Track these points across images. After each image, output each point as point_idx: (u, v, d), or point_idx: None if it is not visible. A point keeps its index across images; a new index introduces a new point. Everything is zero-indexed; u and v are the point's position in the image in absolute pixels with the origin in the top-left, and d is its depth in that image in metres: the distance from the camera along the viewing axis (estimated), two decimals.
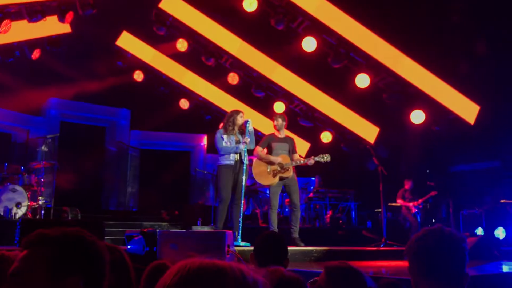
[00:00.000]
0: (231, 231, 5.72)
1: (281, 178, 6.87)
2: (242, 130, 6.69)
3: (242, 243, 6.29)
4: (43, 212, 8.60)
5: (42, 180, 8.88)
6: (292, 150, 7.08)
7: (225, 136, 6.55)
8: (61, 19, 9.65)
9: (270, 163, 6.86)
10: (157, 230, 5.28)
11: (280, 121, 7.06)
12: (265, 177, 6.85)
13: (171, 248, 4.76)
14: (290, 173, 6.86)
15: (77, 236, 1.35)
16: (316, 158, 6.91)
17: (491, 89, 9.59)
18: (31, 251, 1.31)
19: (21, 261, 1.30)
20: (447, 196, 10.67)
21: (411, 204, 10.33)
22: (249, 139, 6.60)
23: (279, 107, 12.24)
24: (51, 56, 11.51)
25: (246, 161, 6.58)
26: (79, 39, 11.39)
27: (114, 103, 13.11)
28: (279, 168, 6.84)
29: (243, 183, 6.52)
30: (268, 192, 12.13)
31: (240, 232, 6.43)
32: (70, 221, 7.70)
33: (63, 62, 11.91)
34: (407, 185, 10.50)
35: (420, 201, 10.30)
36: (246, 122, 6.67)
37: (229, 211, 6.64)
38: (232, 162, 6.50)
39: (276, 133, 7.09)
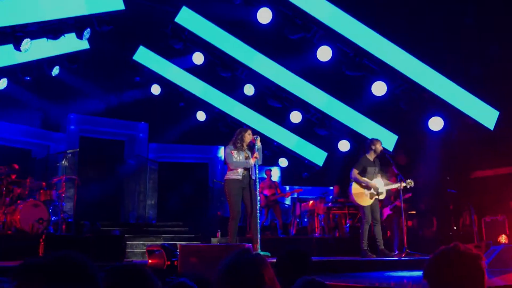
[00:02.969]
0: (250, 244, 5.72)
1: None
2: (251, 145, 6.81)
3: (262, 253, 6.30)
4: (64, 226, 8.70)
5: (63, 195, 9.00)
6: (378, 170, 7.70)
7: (235, 152, 6.65)
8: (79, 36, 9.83)
9: (367, 187, 7.52)
10: (178, 243, 5.31)
11: (380, 147, 7.66)
12: (363, 198, 7.52)
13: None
14: (384, 195, 7.72)
15: (66, 263, 1.29)
16: (404, 184, 7.74)
17: (511, 94, 9.47)
18: (19, 283, 1.26)
19: None
20: (469, 203, 10.50)
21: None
22: (258, 155, 6.70)
23: (295, 117, 12.24)
24: (69, 73, 11.72)
25: (257, 175, 6.69)
26: (97, 55, 11.58)
27: (133, 117, 13.26)
28: (375, 192, 7.56)
29: (258, 197, 6.62)
30: (287, 202, 12.12)
31: (259, 242, 6.46)
32: (91, 236, 7.77)
33: (81, 78, 12.12)
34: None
35: (388, 207, 9.23)
36: (254, 138, 6.77)
37: (248, 224, 6.71)
38: (240, 177, 6.58)
39: (369, 156, 7.65)
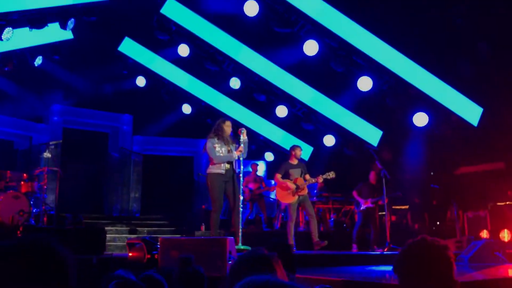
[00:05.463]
0: (233, 237, 5.68)
1: (299, 196, 8.02)
2: (236, 138, 6.67)
3: (243, 247, 6.26)
4: (45, 219, 8.57)
5: (45, 186, 8.86)
6: (304, 172, 8.16)
7: (217, 145, 6.51)
8: (63, 26, 9.67)
9: (287, 187, 7.96)
10: (158, 237, 5.26)
11: (299, 152, 8.29)
12: (286, 197, 8.01)
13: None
14: (305, 191, 8.06)
15: (34, 247, 1.29)
16: (324, 176, 8.13)
17: (494, 91, 9.54)
18: None
19: None
20: (452, 198, 10.59)
21: (362, 200, 9.22)
22: (243, 148, 6.57)
23: (281, 111, 12.21)
24: (53, 63, 11.54)
25: (242, 169, 6.61)
26: (81, 46, 11.41)
27: (117, 109, 13.12)
28: (295, 189, 7.95)
29: (241, 191, 6.54)
30: (272, 196, 12.17)
31: (240, 236, 6.42)
32: (72, 229, 7.67)
33: (65, 68, 11.94)
34: (372, 178, 9.31)
35: (369, 200, 9.12)
36: (240, 131, 6.65)
37: (231, 217, 6.65)
38: (223, 171, 6.48)
39: (291, 161, 8.21)
